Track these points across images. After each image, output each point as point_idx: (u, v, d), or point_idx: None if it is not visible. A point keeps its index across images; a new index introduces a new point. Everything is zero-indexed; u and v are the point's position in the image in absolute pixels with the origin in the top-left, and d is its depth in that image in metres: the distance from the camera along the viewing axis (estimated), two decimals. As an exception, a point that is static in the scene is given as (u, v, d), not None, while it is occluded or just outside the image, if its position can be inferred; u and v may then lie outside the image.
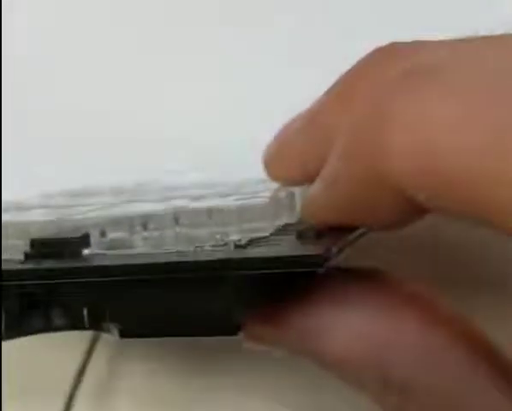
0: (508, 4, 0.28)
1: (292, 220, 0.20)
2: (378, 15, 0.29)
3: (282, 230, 0.19)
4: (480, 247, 0.25)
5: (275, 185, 0.21)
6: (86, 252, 0.19)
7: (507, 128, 0.15)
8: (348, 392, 0.19)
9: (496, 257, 0.25)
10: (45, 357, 0.27)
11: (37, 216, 0.22)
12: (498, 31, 0.18)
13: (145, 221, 0.19)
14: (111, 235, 0.20)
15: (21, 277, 0.18)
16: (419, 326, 0.18)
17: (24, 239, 0.19)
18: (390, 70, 0.18)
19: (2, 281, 0.18)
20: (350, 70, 0.20)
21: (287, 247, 0.18)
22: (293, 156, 0.21)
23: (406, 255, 0.25)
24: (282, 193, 0.20)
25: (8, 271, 0.18)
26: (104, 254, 0.19)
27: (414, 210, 0.17)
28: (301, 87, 0.24)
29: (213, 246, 0.18)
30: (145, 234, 0.19)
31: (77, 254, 0.19)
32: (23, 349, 0.22)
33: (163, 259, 0.18)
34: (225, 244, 0.18)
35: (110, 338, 0.18)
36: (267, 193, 0.20)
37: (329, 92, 0.20)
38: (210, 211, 0.19)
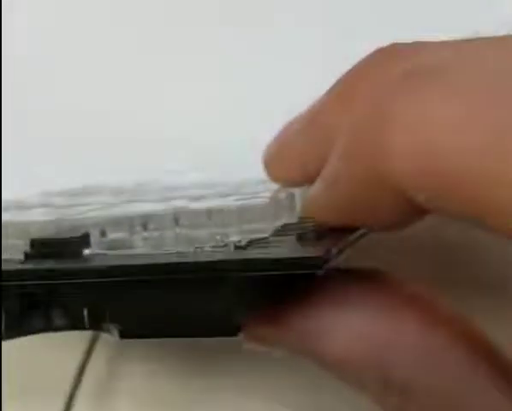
0: (508, 4, 0.28)
1: (292, 220, 0.20)
2: (378, 15, 0.29)
3: (282, 231, 0.19)
4: (480, 249, 0.25)
5: (275, 185, 0.21)
6: (86, 252, 0.19)
7: (507, 128, 0.15)
8: (348, 392, 0.19)
9: (495, 259, 0.25)
10: (45, 357, 0.27)
11: (37, 215, 0.22)
12: (499, 31, 0.18)
13: (145, 221, 0.19)
14: (111, 236, 0.20)
15: (22, 278, 0.18)
16: (419, 327, 0.18)
17: (24, 239, 0.19)
18: (391, 71, 0.18)
19: (2, 281, 0.18)
20: (351, 70, 0.20)
21: (287, 249, 0.18)
22: (293, 156, 0.21)
23: (406, 256, 0.25)
24: (282, 194, 0.20)
25: (9, 271, 0.18)
26: (104, 254, 0.19)
27: (415, 210, 0.17)
28: (301, 87, 0.24)
29: (213, 247, 0.18)
30: (145, 234, 0.19)
31: (77, 254, 0.19)
32: (23, 349, 0.22)
33: (163, 260, 0.18)
34: (225, 245, 0.18)
35: (109, 338, 0.18)
36: (267, 194, 0.20)
37: (329, 93, 0.20)
38: (209, 212, 0.19)
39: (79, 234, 0.19)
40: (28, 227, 0.20)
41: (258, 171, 0.22)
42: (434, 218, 0.17)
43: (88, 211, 0.22)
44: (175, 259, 0.18)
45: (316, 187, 0.19)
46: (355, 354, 0.18)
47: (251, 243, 0.18)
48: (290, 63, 0.29)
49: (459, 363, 0.18)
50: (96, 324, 0.18)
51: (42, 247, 0.19)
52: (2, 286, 0.18)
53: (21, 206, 0.24)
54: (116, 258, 0.19)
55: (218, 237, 0.19)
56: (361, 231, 0.19)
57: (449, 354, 0.18)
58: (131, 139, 0.30)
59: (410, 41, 0.19)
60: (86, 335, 0.26)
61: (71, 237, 0.19)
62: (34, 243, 0.19)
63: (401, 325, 0.18)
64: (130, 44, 0.31)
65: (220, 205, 0.19)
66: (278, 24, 0.30)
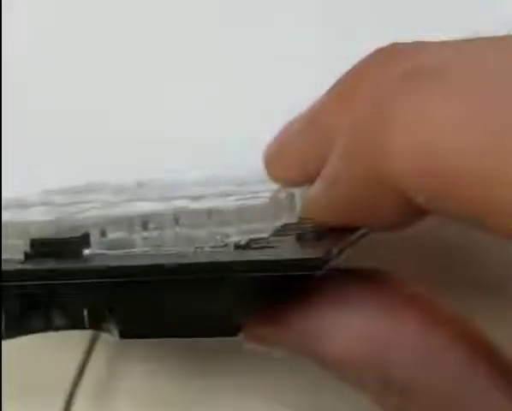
0: (508, 4, 0.28)
1: (292, 220, 0.20)
2: (378, 15, 0.29)
3: (282, 231, 0.19)
4: (479, 250, 0.25)
5: (275, 185, 0.21)
6: (86, 252, 0.19)
7: (507, 128, 0.15)
8: (348, 392, 0.19)
9: (495, 260, 0.25)
10: (45, 357, 0.27)
11: (37, 214, 0.22)
12: (499, 31, 0.18)
13: (145, 221, 0.19)
14: (111, 235, 0.19)
15: (22, 278, 0.18)
16: (419, 327, 0.18)
17: (24, 239, 0.19)
18: (391, 71, 0.17)
19: (2, 281, 0.18)
20: (351, 71, 0.20)
21: (287, 250, 0.18)
22: (293, 156, 0.21)
23: (407, 256, 0.25)
24: (282, 194, 0.20)
25: (9, 272, 0.18)
26: (104, 254, 0.19)
27: (415, 211, 0.17)
28: (301, 87, 0.24)
29: (213, 247, 0.18)
30: (145, 234, 0.19)
31: (77, 254, 0.19)
32: (23, 349, 0.22)
33: (163, 261, 0.18)
34: (225, 245, 0.18)
35: (109, 338, 0.18)
36: (267, 194, 0.20)
37: (329, 92, 0.20)
38: (209, 212, 0.19)
39: (79, 234, 0.19)
40: (28, 227, 0.20)
41: (258, 171, 0.22)
42: (434, 219, 0.17)
43: (88, 210, 0.22)
44: (175, 260, 0.18)
45: (316, 187, 0.19)
46: (355, 354, 0.18)
47: (251, 243, 0.18)
48: (290, 63, 0.29)
49: (459, 363, 0.18)
50: (96, 324, 0.18)
51: (42, 247, 0.19)
52: (3, 286, 0.18)
53: (21, 205, 0.24)
54: (116, 258, 0.19)
55: (218, 237, 0.19)
56: (361, 231, 0.19)
57: (448, 354, 0.18)
58: (131, 139, 0.30)
59: (410, 41, 0.19)
60: (86, 335, 0.26)
61: (71, 237, 0.19)
62: (34, 243, 0.19)
63: (401, 325, 0.18)
64: (130, 43, 0.31)
65: (220, 205, 0.19)
66: (278, 24, 0.30)
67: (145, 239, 0.19)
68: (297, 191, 0.21)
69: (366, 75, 0.19)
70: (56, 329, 0.18)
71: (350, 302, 0.18)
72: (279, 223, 0.20)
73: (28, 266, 0.18)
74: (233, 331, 0.17)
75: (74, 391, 0.26)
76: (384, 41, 0.19)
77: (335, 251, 0.17)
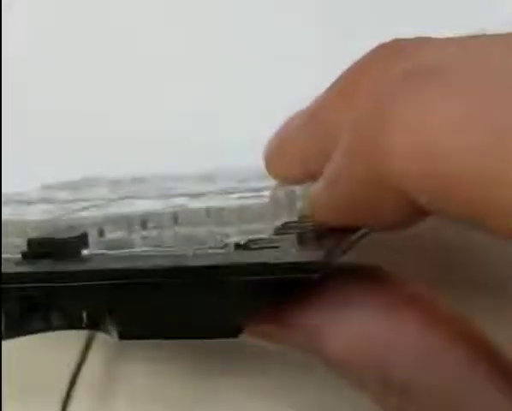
0: (508, 4, 0.28)
1: (292, 219, 0.20)
2: (378, 15, 0.29)
3: (283, 229, 0.19)
4: (479, 250, 0.25)
5: (276, 182, 0.21)
6: (84, 252, 0.19)
7: (507, 128, 0.15)
8: (348, 392, 0.19)
9: (494, 260, 0.25)
10: (45, 357, 0.27)
11: (36, 211, 0.22)
12: (499, 31, 0.18)
13: (144, 220, 0.19)
14: (110, 235, 0.19)
15: (21, 280, 0.18)
16: (419, 327, 0.18)
17: (23, 237, 0.19)
18: (393, 68, 0.17)
19: (1, 284, 0.18)
20: (353, 66, 0.19)
21: (287, 251, 0.18)
22: (293, 152, 0.21)
23: (407, 256, 0.25)
24: (282, 193, 0.20)
25: (8, 274, 0.18)
26: (102, 254, 0.19)
27: (417, 212, 0.17)
28: (301, 87, 0.23)
29: (213, 247, 0.18)
30: (144, 233, 0.19)
31: (76, 255, 0.19)
32: (23, 349, 0.22)
33: (163, 262, 0.18)
34: (225, 245, 0.18)
35: (108, 338, 0.18)
36: (268, 192, 0.20)
37: (331, 89, 0.20)
38: (209, 211, 0.19)
39: (77, 233, 0.19)
40: (27, 226, 0.20)
41: (258, 168, 0.22)
42: (434, 219, 0.17)
43: (88, 208, 0.21)
44: (174, 262, 0.18)
45: (317, 186, 0.19)
46: (355, 354, 0.18)
47: (251, 243, 0.18)
48: (290, 63, 0.29)
49: (459, 363, 0.18)
50: (95, 326, 0.18)
51: (39, 247, 0.19)
52: (2, 288, 0.18)
53: (21, 200, 0.24)
54: (114, 258, 0.19)
55: (218, 237, 0.19)
56: (362, 231, 0.19)
57: (448, 355, 0.18)
58: (131, 139, 0.30)
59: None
60: (85, 334, 0.26)
61: (69, 237, 0.19)
62: (31, 243, 0.19)
63: (400, 325, 0.18)
64: (130, 43, 0.31)
65: (220, 204, 0.19)
66: (278, 24, 0.30)
67: (144, 238, 0.19)
68: (297, 189, 0.21)
69: (367, 71, 0.19)
70: (56, 329, 0.18)
71: (350, 302, 0.18)
72: (279, 223, 0.20)
73: (27, 268, 0.18)
74: (234, 333, 0.17)
75: (71, 391, 0.26)
76: (384, 41, 0.19)
77: (335, 253, 0.17)
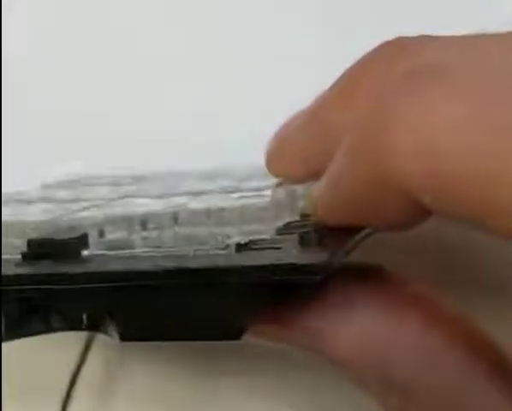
0: (508, 4, 0.28)
1: (294, 218, 0.20)
2: (378, 15, 0.29)
3: (285, 229, 0.19)
4: (480, 250, 0.25)
5: (277, 180, 0.21)
6: (84, 253, 0.19)
7: (506, 128, 0.15)
8: (348, 392, 0.19)
9: (495, 260, 0.25)
10: (45, 357, 0.27)
11: (36, 210, 0.22)
12: (499, 31, 0.18)
13: (144, 220, 0.19)
14: (110, 236, 0.19)
15: (20, 282, 0.18)
16: (419, 327, 0.18)
17: (23, 238, 0.19)
18: (395, 67, 0.17)
19: (1, 286, 0.18)
20: (355, 65, 0.19)
21: (288, 252, 0.18)
22: (294, 152, 0.21)
23: (409, 256, 0.25)
24: (283, 193, 0.20)
25: (8, 276, 0.18)
26: (103, 255, 0.19)
27: (421, 211, 0.17)
28: (301, 87, 0.23)
29: (214, 248, 0.18)
30: (144, 233, 0.19)
31: (76, 255, 0.19)
32: (23, 350, 0.22)
33: (163, 263, 0.18)
34: (226, 246, 0.18)
35: (108, 340, 0.18)
36: (269, 191, 0.20)
37: (332, 88, 0.20)
38: (209, 212, 0.19)
39: (77, 234, 0.19)
40: (26, 226, 0.20)
41: (259, 167, 0.22)
42: (436, 220, 0.17)
43: (88, 208, 0.21)
44: (175, 263, 0.18)
45: (320, 186, 0.19)
46: (356, 354, 0.18)
47: (252, 244, 0.18)
48: (290, 63, 0.29)
49: (458, 363, 0.18)
50: (95, 328, 0.18)
51: (39, 248, 0.19)
52: (2, 290, 0.18)
53: (21, 200, 0.24)
54: (115, 259, 0.19)
55: (219, 238, 0.18)
56: (365, 231, 0.19)
57: (448, 355, 0.18)
58: (131, 139, 0.30)
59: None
60: (85, 335, 0.26)
61: (69, 238, 0.19)
62: (31, 244, 0.19)
63: (401, 325, 0.18)
64: (130, 43, 0.31)
65: (220, 204, 0.19)
66: (278, 24, 0.30)
67: (144, 239, 0.19)
68: (299, 188, 0.20)
69: (369, 70, 0.19)
70: (56, 331, 0.18)
71: (351, 302, 0.18)
72: (281, 223, 0.20)
73: (27, 270, 0.18)
74: (235, 335, 0.17)
75: (71, 392, 0.26)
76: (384, 41, 0.19)
77: (338, 255, 0.17)
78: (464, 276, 0.25)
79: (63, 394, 0.26)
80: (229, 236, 0.18)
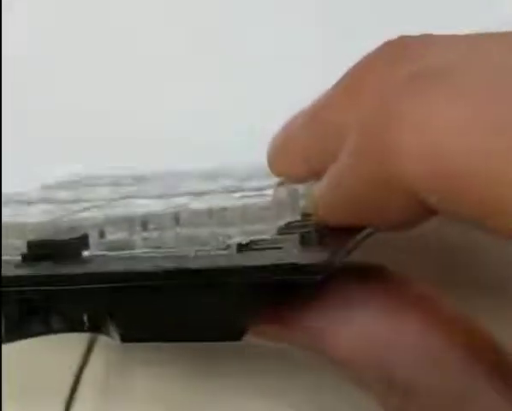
0: (508, 4, 0.28)
1: (295, 218, 0.20)
2: (378, 15, 0.29)
3: (286, 229, 0.19)
4: (480, 250, 0.25)
5: (279, 180, 0.21)
6: (85, 253, 0.19)
7: (507, 127, 0.15)
8: (348, 392, 0.19)
9: (495, 260, 0.25)
10: (45, 359, 0.27)
11: (36, 211, 0.22)
12: (499, 31, 0.18)
13: (145, 221, 0.19)
14: (111, 236, 0.19)
15: (20, 283, 0.18)
16: (420, 327, 0.18)
17: (23, 239, 0.19)
18: (398, 69, 0.17)
19: (1, 287, 0.18)
20: (357, 64, 0.19)
21: (289, 252, 0.18)
22: (296, 151, 0.20)
23: (411, 256, 0.25)
24: (284, 192, 0.20)
25: (8, 278, 0.18)
26: (103, 256, 0.19)
27: (425, 211, 0.17)
28: (301, 87, 0.23)
29: (215, 249, 0.18)
30: (145, 234, 0.19)
31: (76, 256, 0.19)
32: (23, 351, 0.22)
33: (164, 264, 0.18)
34: (228, 246, 0.18)
35: (109, 341, 0.18)
36: (271, 191, 0.20)
37: (335, 87, 0.20)
38: (210, 212, 0.19)
39: (77, 235, 0.19)
40: (26, 227, 0.20)
41: (260, 167, 0.22)
42: (439, 220, 0.17)
43: (88, 208, 0.21)
44: (175, 264, 0.18)
45: (322, 185, 0.19)
46: (357, 354, 0.18)
47: (253, 244, 0.18)
48: (290, 63, 0.29)
49: (459, 363, 0.18)
50: (97, 329, 0.18)
51: (39, 249, 0.19)
52: (2, 292, 0.18)
53: (21, 200, 0.24)
54: (115, 259, 0.19)
55: (221, 238, 0.18)
56: (367, 231, 0.19)
57: (448, 355, 0.18)
58: (131, 139, 0.30)
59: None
60: (86, 337, 0.26)
61: (70, 239, 0.19)
62: (31, 245, 0.19)
63: (401, 325, 0.18)
64: (130, 43, 0.31)
65: (222, 204, 0.19)
66: (278, 24, 0.30)
67: (145, 239, 0.19)
68: (300, 188, 0.20)
69: (372, 69, 0.19)
70: (56, 332, 0.18)
71: (352, 302, 0.18)
72: (282, 223, 0.20)
73: (27, 271, 0.18)
74: (236, 336, 0.17)
75: (74, 394, 0.26)
76: (383, 41, 0.19)
77: (340, 255, 0.17)
78: (466, 276, 0.25)
79: (65, 396, 0.26)
80: (230, 237, 0.18)
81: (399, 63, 0.18)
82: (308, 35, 0.30)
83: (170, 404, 0.26)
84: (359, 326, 0.18)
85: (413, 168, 0.16)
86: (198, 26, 0.31)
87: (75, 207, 0.22)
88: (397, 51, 0.18)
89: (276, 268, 0.17)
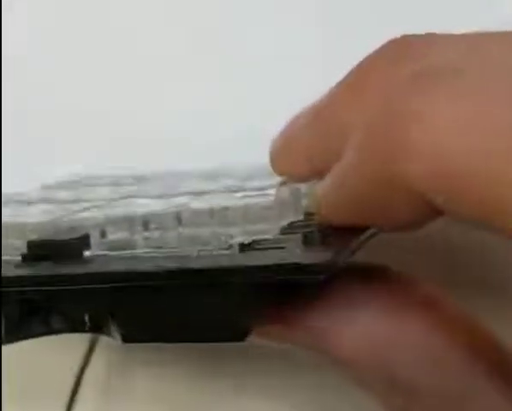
0: (508, 4, 0.28)
1: (298, 217, 0.20)
2: (378, 15, 0.29)
3: (289, 229, 0.19)
4: (480, 250, 0.25)
5: (281, 179, 0.21)
6: (86, 253, 0.19)
7: (507, 127, 0.15)
8: (351, 392, 0.19)
9: (495, 260, 0.25)
10: (46, 359, 0.27)
11: (36, 211, 0.22)
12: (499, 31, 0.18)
13: (146, 221, 0.19)
14: (112, 236, 0.19)
15: (21, 284, 0.18)
16: (422, 327, 0.18)
17: (23, 239, 0.19)
18: (401, 69, 0.17)
19: (1, 287, 0.18)
20: (360, 64, 0.19)
21: (292, 252, 0.18)
22: (299, 150, 0.20)
23: (416, 256, 0.25)
24: (287, 192, 0.20)
25: (8, 278, 0.18)
26: (104, 255, 0.19)
27: (429, 211, 0.17)
28: (301, 87, 0.23)
29: (217, 248, 0.18)
30: (147, 234, 0.19)
31: (77, 256, 0.19)
32: (23, 351, 0.22)
33: (165, 264, 0.18)
34: (230, 246, 0.18)
35: (111, 341, 0.18)
36: (273, 190, 0.20)
37: (338, 86, 0.20)
38: (212, 212, 0.19)
39: (78, 235, 0.19)
40: (27, 227, 0.20)
41: (262, 166, 0.22)
42: (444, 221, 0.17)
43: (88, 208, 0.21)
44: (177, 264, 0.18)
45: (324, 184, 0.19)
46: (360, 354, 0.18)
47: (256, 244, 0.18)
48: (290, 63, 0.29)
49: (460, 363, 0.18)
50: (98, 329, 0.18)
51: (39, 249, 0.19)
52: (2, 292, 0.18)
53: (21, 200, 0.24)
54: (117, 259, 0.19)
55: (223, 238, 0.18)
56: (371, 231, 0.19)
57: (450, 355, 0.18)
58: (131, 139, 0.30)
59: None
60: (87, 337, 0.26)
61: (70, 238, 0.19)
62: (31, 245, 0.19)
63: (404, 325, 0.18)
64: (130, 43, 0.31)
65: (224, 204, 0.19)
66: (278, 24, 0.30)
67: (146, 239, 0.19)
68: (302, 187, 0.20)
69: (376, 69, 0.19)
70: (57, 332, 0.18)
71: (355, 302, 0.18)
72: (285, 223, 0.19)
73: (27, 271, 0.18)
74: (240, 336, 0.17)
75: (75, 395, 0.26)
76: (384, 41, 0.19)
77: (343, 255, 0.17)
78: (470, 276, 0.25)
79: (66, 396, 0.26)
80: (232, 236, 0.18)
81: (402, 62, 0.18)
82: (308, 35, 0.30)
83: (172, 405, 0.26)
84: (362, 326, 0.18)
85: (415, 167, 0.16)
86: (198, 26, 0.31)
87: (75, 207, 0.22)
88: (400, 50, 0.18)
89: (279, 268, 0.17)
